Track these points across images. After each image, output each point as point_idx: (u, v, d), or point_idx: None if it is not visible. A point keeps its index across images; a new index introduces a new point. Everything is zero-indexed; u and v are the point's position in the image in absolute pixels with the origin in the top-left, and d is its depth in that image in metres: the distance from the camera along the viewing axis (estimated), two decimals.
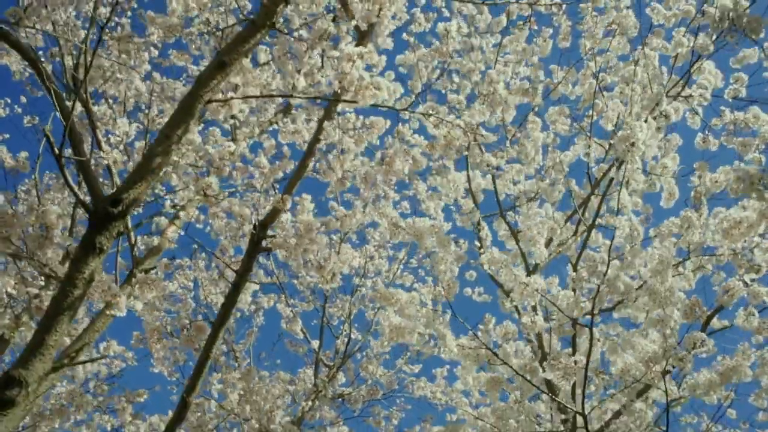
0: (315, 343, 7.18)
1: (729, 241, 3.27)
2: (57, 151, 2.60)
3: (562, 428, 4.31)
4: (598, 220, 6.38)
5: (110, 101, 4.17)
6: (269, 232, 3.64)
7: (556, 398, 3.99)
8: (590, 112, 5.85)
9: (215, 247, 3.95)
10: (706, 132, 4.58)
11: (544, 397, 5.23)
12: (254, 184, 3.47)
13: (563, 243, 6.06)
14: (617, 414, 4.33)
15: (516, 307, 5.45)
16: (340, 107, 3.58)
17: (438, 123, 3.44)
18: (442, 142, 3.65)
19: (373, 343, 8.47)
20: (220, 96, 3.06)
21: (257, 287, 9.15)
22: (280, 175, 3.51)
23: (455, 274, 4.37)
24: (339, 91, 3.25)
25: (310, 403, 5.96)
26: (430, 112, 3.30)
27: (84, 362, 3.61)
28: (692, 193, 3.91)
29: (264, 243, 3.66)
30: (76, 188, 2.76)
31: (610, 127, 4.84)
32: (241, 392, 5.00)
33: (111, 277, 3.11)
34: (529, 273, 5.74)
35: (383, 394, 7.27)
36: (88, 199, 2.88)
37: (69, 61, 4.36)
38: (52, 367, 4.34)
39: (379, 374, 7.35)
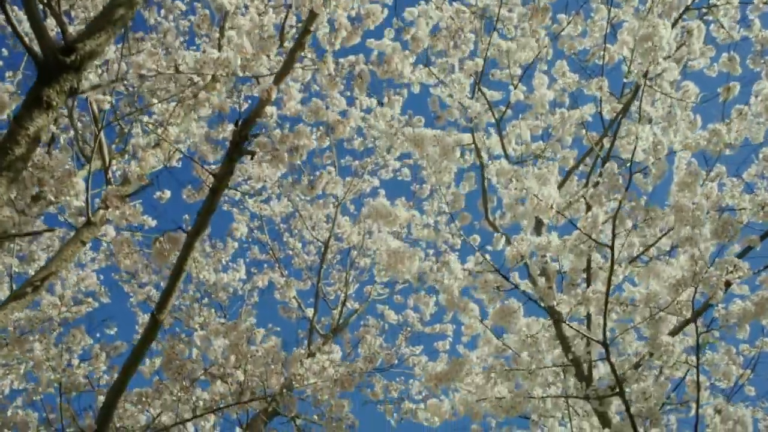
0: (309, 312, 6.76)
1: None
2: None
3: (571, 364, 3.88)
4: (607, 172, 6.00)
5: None
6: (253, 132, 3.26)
7: (572, 326, 3.57)
8: (602, 53, 5.51)
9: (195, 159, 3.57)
10: (731, 51, 4.21)
11: (556, 353, 4.79)
12: (236, 73, 3.10)
13: (574, 195, 5.67)
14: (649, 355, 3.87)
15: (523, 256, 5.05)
16: None
17: (442, 3, 3.08)
18: (445, 34, 3.29)
19: (372, 322, 8.04)
20: None
21: (253, 267, 8.77)
22: (264, 60, 3.13)
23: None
24: None
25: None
26: None
27: (28, 234, 3.21)
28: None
29: (247, 145, 3.28)
30: (23, 33, 2.39)
31: (625, 52, 4.48)
32: (227, 342, 4.57)
33: (65, 158, 2.72)
34: (538, 224, 5.34)
35: (380, 367, 6.80)
36: None
37: None
38: (13, 295, 3.92)
39: (377, 346, 6.90)
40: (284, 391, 5.51)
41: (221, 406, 3.28)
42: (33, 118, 2.31)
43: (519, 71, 6.26)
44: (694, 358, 3.85)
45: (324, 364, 3.27)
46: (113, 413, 3.16)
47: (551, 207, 3.48)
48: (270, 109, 3.14)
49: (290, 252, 8.13)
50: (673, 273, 3.60)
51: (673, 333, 3.98)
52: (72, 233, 4.21)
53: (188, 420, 3.26)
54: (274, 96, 3.13)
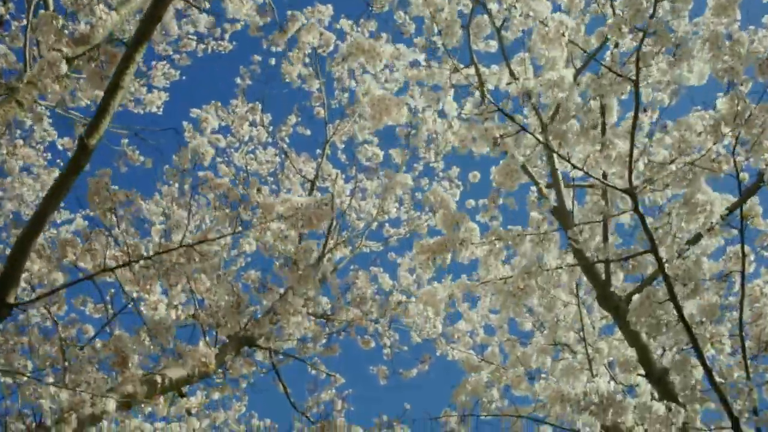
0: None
1: None
2: None
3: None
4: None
5: None
6: None
7: (590, 174, 2.97)
8: None
9: None
10: None
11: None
12: None
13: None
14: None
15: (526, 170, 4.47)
16: None
17: None
18: None
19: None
20: None
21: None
22: None
23: None
24: None
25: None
26: None
27: None
28: None
29: None
30: None
31: None
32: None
33: None
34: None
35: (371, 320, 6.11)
36: None
37: None
38: None
39: (370, 294, 6.24)
40: (259, 320, 4.88)
41: (160, 251, 2.66)
42: None
43: None
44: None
45: (286, 196, 2.68)
46: (27, 255, 2.56)
47: (563, 34, 2.94)
48: None
49: None
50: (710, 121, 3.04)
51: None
52: None
53: (111, 269, 2.62)
54: None
